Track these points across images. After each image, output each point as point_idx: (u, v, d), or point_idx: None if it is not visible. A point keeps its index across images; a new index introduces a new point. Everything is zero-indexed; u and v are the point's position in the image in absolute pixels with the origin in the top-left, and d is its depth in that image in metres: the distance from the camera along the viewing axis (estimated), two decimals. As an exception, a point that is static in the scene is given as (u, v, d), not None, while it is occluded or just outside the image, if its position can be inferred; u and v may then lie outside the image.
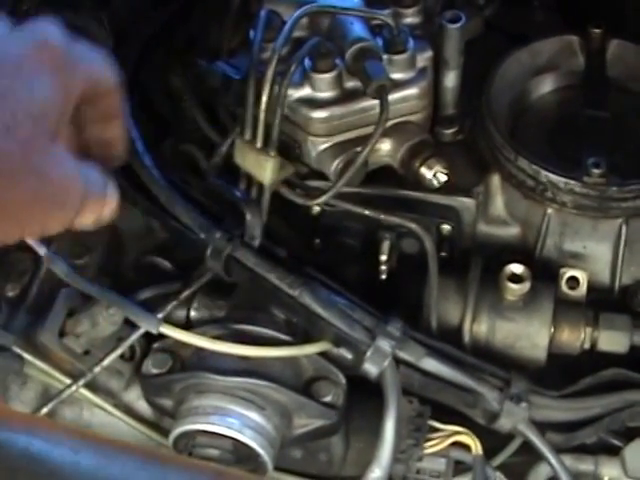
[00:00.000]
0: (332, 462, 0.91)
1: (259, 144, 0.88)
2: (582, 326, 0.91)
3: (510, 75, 1.02)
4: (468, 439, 0.86)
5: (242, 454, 0.83)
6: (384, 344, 0.82)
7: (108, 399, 0.91)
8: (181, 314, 0.92)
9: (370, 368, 0.82)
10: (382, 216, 0.94)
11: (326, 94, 0.92)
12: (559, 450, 0.85)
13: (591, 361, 0.92)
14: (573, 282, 0.93)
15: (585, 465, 0.88)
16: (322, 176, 0.94)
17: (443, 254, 0.97)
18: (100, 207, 0.71)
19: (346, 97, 0.92)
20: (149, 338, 0.90)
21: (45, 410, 0.88)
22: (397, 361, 0.83)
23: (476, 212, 0.98)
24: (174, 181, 0.92)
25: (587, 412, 0.87)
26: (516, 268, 0.90)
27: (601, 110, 1.02)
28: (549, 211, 0.96)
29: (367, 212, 0.94)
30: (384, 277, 0.95)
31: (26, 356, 0.88)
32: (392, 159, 0.95)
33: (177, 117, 1.07)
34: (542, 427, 0.85)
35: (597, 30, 1.04)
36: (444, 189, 0.94)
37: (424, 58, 0.95)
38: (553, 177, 0.94)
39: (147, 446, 0.89)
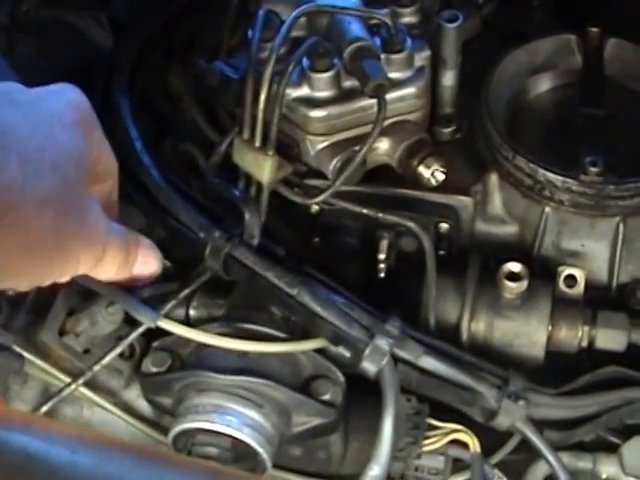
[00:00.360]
0: (331, 460, 0.91)
1: (257, 143, 0.88)
2: (580, 324, 0.91)
3: (508, 74, 1.02)
4: (466, 437, 0.86)
5: (241, 452, 0.83)
6: (382, 342, 0.82)
7: (108, 397, 0.91)
8: (180, 313, 0.92)
9: (368, 366, 0.82)
10: (380, 215, 0.94)
11: (324, 93, 0.92)
12: (557, 448, 0.85)
13: (589, 359, 0.92)
14: (571, 280, 0.93)
15: (583, 463, 0.88)
16: (320, 175, 0.95)
17: (441, 252, 0.97)
18: (123, 258, 0.76)
19: (344, 96, 0.92)
20: (148, 337, 0.90)
21: (45, 408, 0.88)
22: (395, 359, 0.83)
23: (474, 211, 0.99)
24: (173, 180, 0.92)
25: (585, 410, 0.87)
26: (514, 266, 0.90)
27: (599, 109, 1.02)
28: (547, 210, 0.96)
29: (365, 211, 0.94)
30: (382, 275, 0.95)
31: (26, 355, 0.88)
32: (390, 158, 0.95)
33: (176, 117, 1.07)
34: (540, 425, 0.85)
35: (595, 29, 1.04)
36: (442, 188, 0.94)
37: (422, 57, 0.95)
38: (551, 176, 0.94)
39: (144, 445, 0.89)
